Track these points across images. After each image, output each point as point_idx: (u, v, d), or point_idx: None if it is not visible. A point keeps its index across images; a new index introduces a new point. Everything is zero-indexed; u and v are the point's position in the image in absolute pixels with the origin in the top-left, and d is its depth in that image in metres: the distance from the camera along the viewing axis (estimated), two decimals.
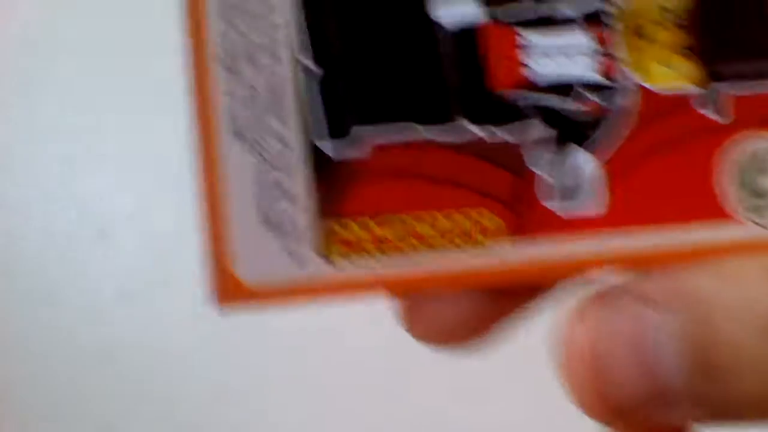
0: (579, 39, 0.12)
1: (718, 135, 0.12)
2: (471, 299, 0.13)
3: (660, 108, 0.12)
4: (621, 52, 0.13)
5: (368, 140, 0.12)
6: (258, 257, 0.12)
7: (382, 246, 0.12)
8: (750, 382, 0.11)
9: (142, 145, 0.54)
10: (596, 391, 0.12)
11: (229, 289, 0.12)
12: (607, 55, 0.13)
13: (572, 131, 0.12)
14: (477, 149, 0.12)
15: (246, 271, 0.12)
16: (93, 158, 0.54)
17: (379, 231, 0.12)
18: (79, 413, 0.52)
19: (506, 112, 0.12)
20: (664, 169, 0.12)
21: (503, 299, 0.14)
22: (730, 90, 0.12)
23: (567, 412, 0.13)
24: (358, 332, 0.49)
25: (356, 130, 0.12)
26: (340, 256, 0.12)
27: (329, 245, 0.12)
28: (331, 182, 0.12)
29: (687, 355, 0.11)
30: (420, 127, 0.12)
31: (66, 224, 0.53)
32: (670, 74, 0.12)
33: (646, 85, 0.12)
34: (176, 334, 0.52)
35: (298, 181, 0.12)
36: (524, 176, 0.12)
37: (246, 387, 0.52)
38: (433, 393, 0.50)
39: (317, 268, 0.12)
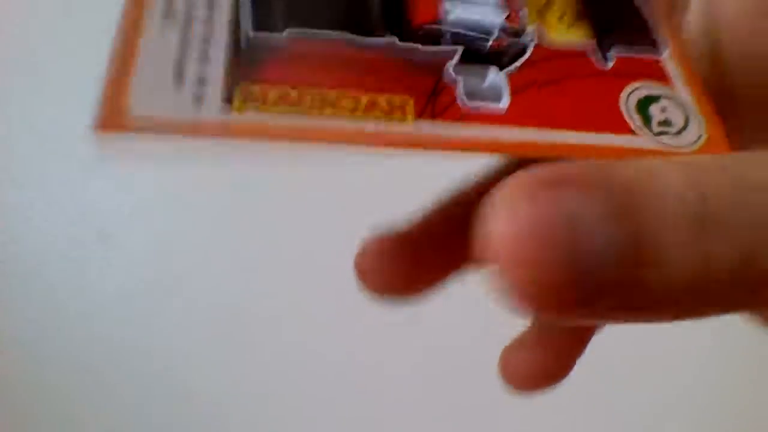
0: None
1: (613, 78, 0.15)
2: (416, 257, 0.17)
3: (559, 53, 0.15)
4: (523, 6, 0.15)
5: (299, 39, 0.13)
6: (158, 97, 0.12)
7: (293, 106, 0.13)
8: (679, 269, 0.11)
9: (142, 146, 0.54)
10: (523, 279, 0.11)
11: (113, 117, 0.12)
12: (512, 7, 0.15)
13: (486, 56, 0.14)
14: (409, 55, 0.14)
15: (139, 106, 0.12)
16: (93, 159, 0.54)
17: (294, 96, 0.13)
18: (79, 413, 0.52)
19: (431, 38, 0.14)
20: (564, 91, 0.14)
21: (444, 261, 0.17)
22: (613, 49, 0.15)
23: None
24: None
25: (289, 31, 0.13)
26: (246, 106, 0.12)
27: (239, 97, 0.12)
28: (256, 54, 0.13)
29: (619, 243, 0.11)
30: (353, 36, 0.13)
31: (66, 224, 0.53)
32: (564, 29, 0.15)
33: (546, 36, 0.15)
34: (176, 334, 0.52)
35: (220, 50, 0.13)
36: (447, 80, 0.14)
37: (245, 386, 0.52)
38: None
39: (217, 110, 0.12)
